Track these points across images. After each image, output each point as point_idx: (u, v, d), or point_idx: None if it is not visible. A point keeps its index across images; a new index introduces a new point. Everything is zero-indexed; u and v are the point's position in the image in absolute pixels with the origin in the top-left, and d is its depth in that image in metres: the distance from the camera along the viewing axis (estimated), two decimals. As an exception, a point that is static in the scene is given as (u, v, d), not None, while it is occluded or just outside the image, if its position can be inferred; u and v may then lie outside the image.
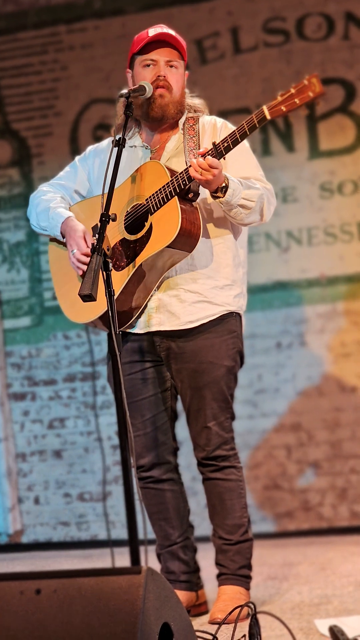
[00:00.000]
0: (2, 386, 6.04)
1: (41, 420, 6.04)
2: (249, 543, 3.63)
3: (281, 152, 5.74)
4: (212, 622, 3.44)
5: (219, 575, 3.63)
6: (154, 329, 3.52)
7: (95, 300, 2.95)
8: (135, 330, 3.55)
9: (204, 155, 3.27)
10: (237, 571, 3.59)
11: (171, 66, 3.50)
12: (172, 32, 3.53)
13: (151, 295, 3.49)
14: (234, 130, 3.28)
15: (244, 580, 3.60)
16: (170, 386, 3.63)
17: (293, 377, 5.69)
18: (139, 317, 3.52)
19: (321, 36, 5.71)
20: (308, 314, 5.68)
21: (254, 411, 5.71)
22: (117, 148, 3.22)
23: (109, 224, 3.12)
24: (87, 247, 3.41)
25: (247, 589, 3.61)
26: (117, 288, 3.36)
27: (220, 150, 3.28)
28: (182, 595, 3.63)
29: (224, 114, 5.61)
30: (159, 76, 3.47)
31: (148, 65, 3.50)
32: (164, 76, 3.47)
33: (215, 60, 5.82)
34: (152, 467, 3.64)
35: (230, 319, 3.57)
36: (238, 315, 3.61)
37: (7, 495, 5.95)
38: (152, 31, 3.52)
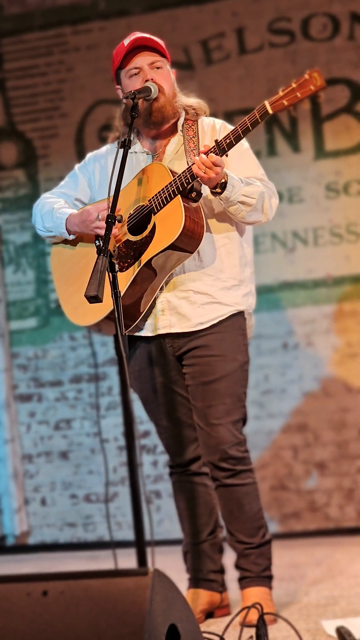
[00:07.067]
0: (8, 387, 6.04)
1: (47, 422, 6.04)
2: (269, 544, 3.63)
3: (287, 153, 5.73)
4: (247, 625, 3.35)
5: (241, 579, 3.61)
6: (162, 331, 3.51)
7: (101, 301, 2.94)
8: (143, 334, 3.54)
9: (206, 153, 3.26)
10: (261, 573, 3.58)
11: (157, 67, 3.48)
12: (146, 35, 3.49)
13: (156, 297, 3.48)
14: (236, 126, 3.28)
15: (268, 580, 3.60)
16: None
17: (299, 378, 5.69)
18: (144, 319, 3.51)
19: (326, 36, 5.70)
20: (314, 314, 5.68)
21: (260, 412, 5.70)
22: (122, 150, 3.22)
23: (115, 225, 3.11)
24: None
25: (270, 588, 3.60)
26: (121, 289, 3.34)
27: (222, 147, 3.27)
28: (207, 595, 3.63)
29: (229, 114, 5.63)
30: (147, 81, 3.44)
31: (134, 75, 3.49)
32: (152, 79, 3.45)
33: (221, 61, 5.82)
34: (189, 464, 3.67)
35: (240, 317, 3.58)
36: (246, 313, 3.62)
37: (13, 496, 5.95)
38: (127, 41, 3.50)
